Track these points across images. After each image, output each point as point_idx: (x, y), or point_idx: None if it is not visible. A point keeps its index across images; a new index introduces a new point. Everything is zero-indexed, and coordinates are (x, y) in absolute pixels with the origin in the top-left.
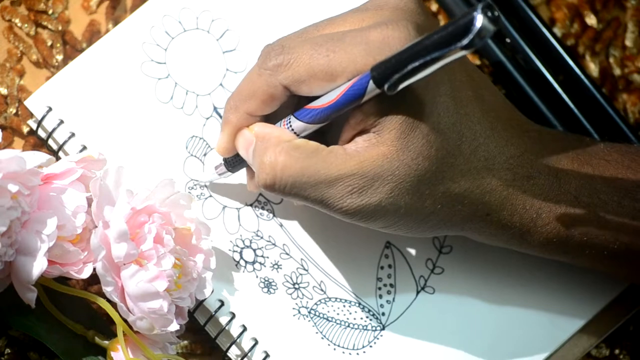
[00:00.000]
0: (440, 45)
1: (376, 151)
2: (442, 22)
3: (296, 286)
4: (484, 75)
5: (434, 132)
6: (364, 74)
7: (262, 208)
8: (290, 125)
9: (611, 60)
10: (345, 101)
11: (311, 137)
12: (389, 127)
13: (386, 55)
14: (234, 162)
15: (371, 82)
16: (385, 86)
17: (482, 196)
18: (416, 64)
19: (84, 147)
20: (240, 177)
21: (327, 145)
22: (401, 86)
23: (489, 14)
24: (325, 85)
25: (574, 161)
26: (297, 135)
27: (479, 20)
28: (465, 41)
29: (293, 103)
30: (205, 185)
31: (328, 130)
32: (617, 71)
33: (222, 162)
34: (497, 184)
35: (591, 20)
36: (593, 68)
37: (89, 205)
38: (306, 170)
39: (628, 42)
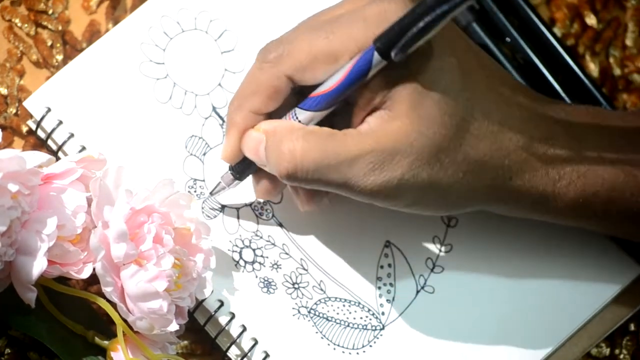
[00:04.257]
0: (442, 1)
1: (391, 126)
2: None
3: (296, 286)
4: (481, 49)
5: (445, 99)
6: (367, 48)
7: (262, 208)
8: (297, 118)
9: (611, 60)
10: (351, 79)
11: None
12: (399, 100)
13: (385, 28)
14: (241, 168)
15: (376, 54)
16: (393, 54)
17: (501, 159)
18: (421, 24)
19: (83, 148)
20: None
21: None
22: (409, 51)
23: None
24: (328, 68)
25: (590, 122)
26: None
27: None
28: None
29: (294, 100)
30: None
31: (333, 120)
32: (617, 71)
33: (229, 171)
34: (515, 146)
35: (591, 20)
36: (593, 68)
37: (89, 205)
38: (326, 153)
39: (628, 42)
